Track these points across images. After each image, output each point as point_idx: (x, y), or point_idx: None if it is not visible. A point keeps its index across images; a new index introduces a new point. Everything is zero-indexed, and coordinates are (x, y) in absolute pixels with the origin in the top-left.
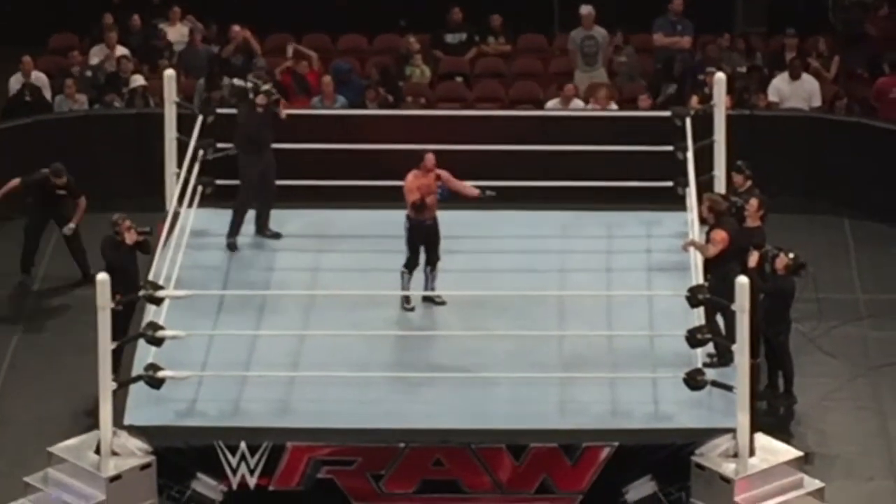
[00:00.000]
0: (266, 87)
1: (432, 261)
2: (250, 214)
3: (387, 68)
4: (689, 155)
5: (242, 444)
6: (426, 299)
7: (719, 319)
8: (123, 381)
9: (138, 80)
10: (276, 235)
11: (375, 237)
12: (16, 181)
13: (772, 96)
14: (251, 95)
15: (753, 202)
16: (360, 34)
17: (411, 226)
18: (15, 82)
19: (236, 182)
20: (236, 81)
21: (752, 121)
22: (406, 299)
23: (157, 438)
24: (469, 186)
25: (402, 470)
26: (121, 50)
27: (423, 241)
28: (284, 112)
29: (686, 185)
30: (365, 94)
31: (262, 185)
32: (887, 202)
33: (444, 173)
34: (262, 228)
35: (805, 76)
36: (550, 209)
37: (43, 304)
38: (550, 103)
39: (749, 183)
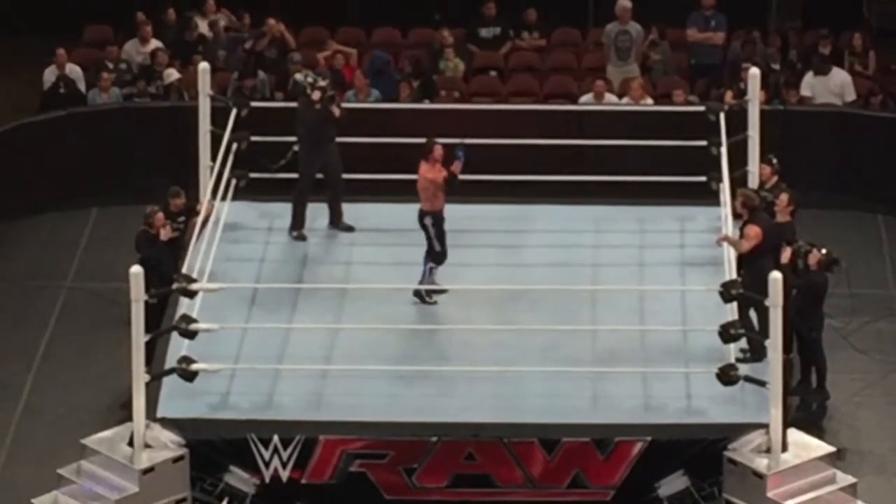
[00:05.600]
0: (322, 83)
1: None
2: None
3: (420, 62)
4: (723, 150)
5: (275, 438)
6: (418, 293)
7: (752, 315)
8: (157, 374)
9: (173, 75)
10: (349, 228)
11: (408, 231)
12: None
13: (804, 91)
14: (308, 91)
15: (784, 197)
16: (394, 28)
17: (435, 221)
18: (49, 74)
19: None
20: (297, 76)
21: (786, 116)
22: (430, 294)
23: (189, 431)
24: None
25: (434, 464)
26: (155, 43)
27: (444, 231)
28: (338, 109)
29: (719, 180)
30: (399, 87)
31: (328, 179)
32: None
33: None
34: (334, 221)
35: (835, 70)
36: (583, 203)
37: (76, 297)
38: (584, 98)
39: (776, 178)
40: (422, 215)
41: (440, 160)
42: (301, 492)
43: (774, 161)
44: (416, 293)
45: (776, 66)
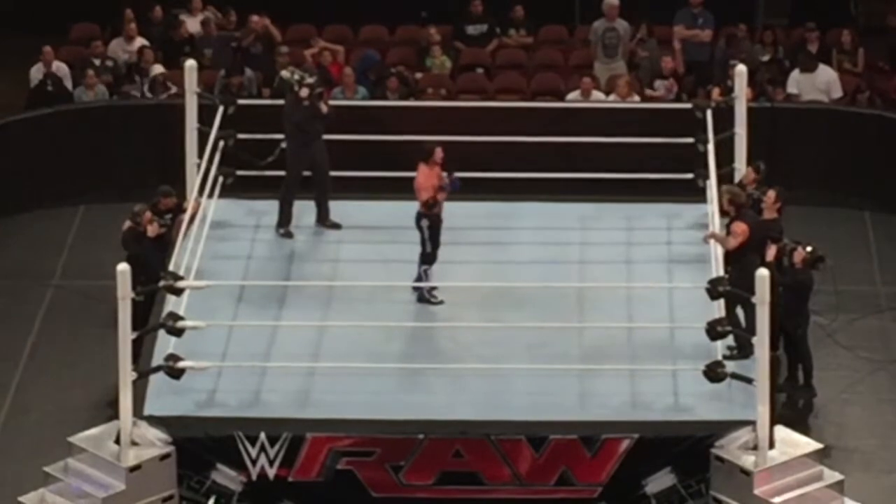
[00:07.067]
0: (310, 80)
1: None
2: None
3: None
4: (710, 147)
5: (262, 435)
6: (421, 297)
7: (739, 312)
8: (143, 372)
9: (158, 69)
10: (336, 226)
11: (396, 228)
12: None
13: (791, 88)
14: (296, 88)
15: (771, 194)
16: (381, 25)
17: (431, 222)
18: (36, 72)
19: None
20: (284, 73)
21: (774, 113)
22: (434, 293)
23: (176, 429)
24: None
25: (421, 461)
26: (141, 41)
27: (439, 234)
28: (325, 106)
29: (706, 177)
30: (386, 84)
31: (315, 176)
32: None
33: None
34: (321, 219)
35: (822, 67)
36: (570, 201)
37: (63, 295)
38: (571, 96)
39: (756, 184)
40: (419, 217)
41: (440, 163)
42: (288, 489)
43: (762, 168)
44: (420, 297)
45: (765, 58)
